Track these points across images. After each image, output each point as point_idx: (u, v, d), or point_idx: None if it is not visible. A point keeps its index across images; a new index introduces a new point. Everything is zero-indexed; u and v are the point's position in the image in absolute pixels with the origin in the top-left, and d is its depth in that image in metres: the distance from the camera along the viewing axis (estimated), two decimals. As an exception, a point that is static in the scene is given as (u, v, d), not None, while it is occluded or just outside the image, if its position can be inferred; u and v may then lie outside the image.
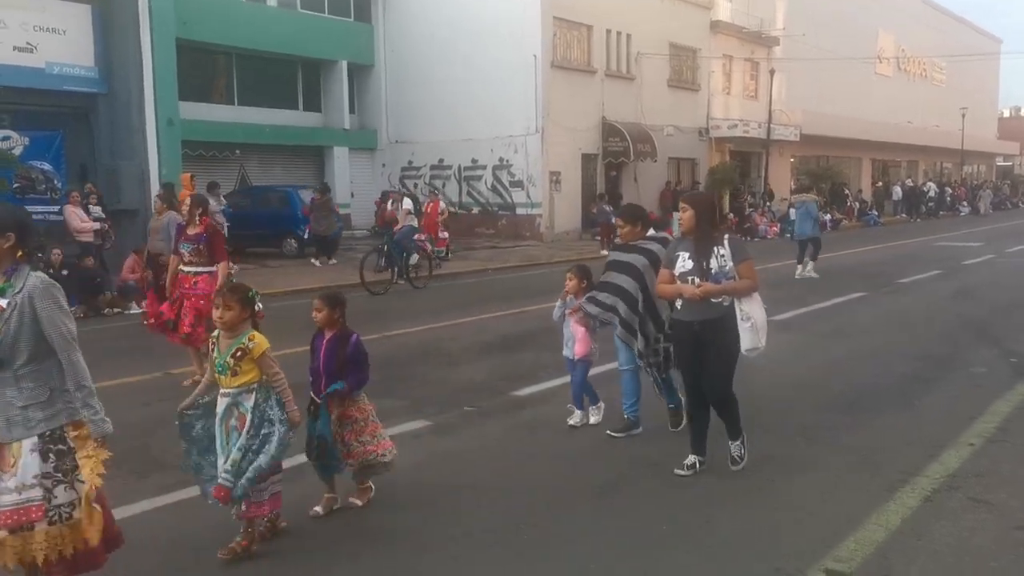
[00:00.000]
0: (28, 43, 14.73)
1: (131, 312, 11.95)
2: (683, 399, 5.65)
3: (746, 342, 4.76)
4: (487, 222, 25.28)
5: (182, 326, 7.44)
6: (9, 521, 3.18)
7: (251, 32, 22.29)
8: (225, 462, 3.97)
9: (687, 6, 28.84)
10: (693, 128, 29.88)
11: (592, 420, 6.08)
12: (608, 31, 25.87)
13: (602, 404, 6.16)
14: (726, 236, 4.90)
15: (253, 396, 4.04)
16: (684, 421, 5.67)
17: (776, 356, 6.77)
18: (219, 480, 3.97)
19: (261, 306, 4.22)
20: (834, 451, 5.55)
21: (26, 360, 3.19)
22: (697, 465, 5.05)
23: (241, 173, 23.36)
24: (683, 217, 4.93)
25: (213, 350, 4.17)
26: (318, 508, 4.57)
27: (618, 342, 5.82)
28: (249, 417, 4.01)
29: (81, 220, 13.01)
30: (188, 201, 7.86)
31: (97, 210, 13.75)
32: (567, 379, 6.34)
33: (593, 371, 6.19)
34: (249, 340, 4.04)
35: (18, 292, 3.17)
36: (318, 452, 4.44)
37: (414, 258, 14.80)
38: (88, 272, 12.29)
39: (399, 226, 14.72)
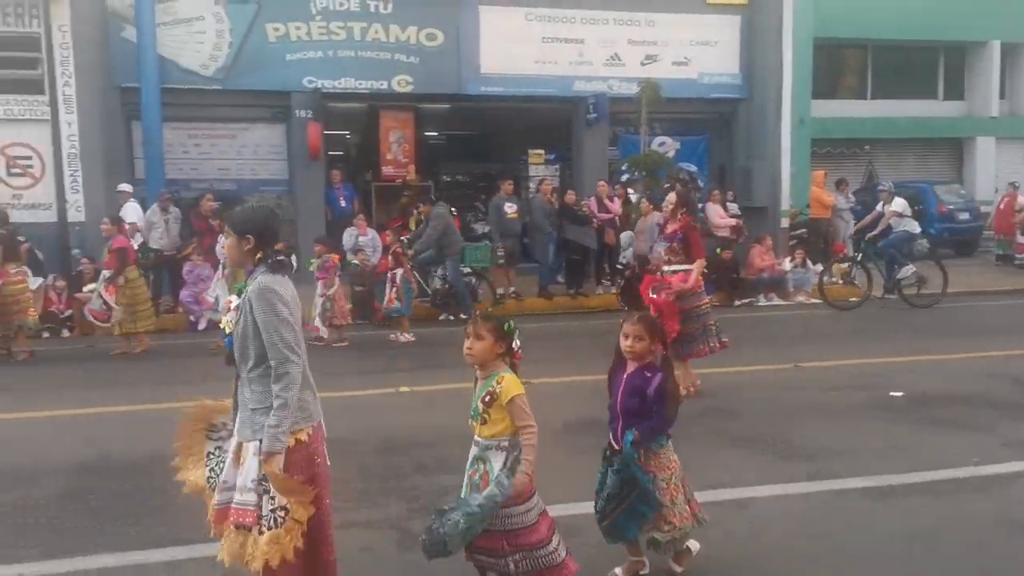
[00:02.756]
0: (684, 57, 16.52)
1: (760, 304, 12.91)
2: None
3: None
4: None
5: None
6: (232, 518, 3.21)
7: (891, 22, 21.22)
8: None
9: None
10: None
11: None
12: None
13: None
14: None
15: (503, 457, 3.38)
16: None
17: None
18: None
19: (519, 344, 3.50)
20: None
21: (254, 363, 3.16)
22: None
23: (868, 169, 22.55)
24: None
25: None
26: (618, 571, 3.83)
27: None
28: (492, 478, 3.36)
29: (720, 216, 14.12)
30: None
31: (734, 207, 14.80)
32: None
33: None
34: (497, 383, 3.39)
35: (246, 294, 3.19)
36: (614, 506, 3.65)
37: (907, 270, 12.22)
38: (726, 265, 13.32)
39: (874, 231, 12.55)
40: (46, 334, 10.91)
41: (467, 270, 12.15)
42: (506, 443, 3.37)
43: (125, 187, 12.65)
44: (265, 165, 15.40)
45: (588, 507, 3.86)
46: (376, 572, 3.87)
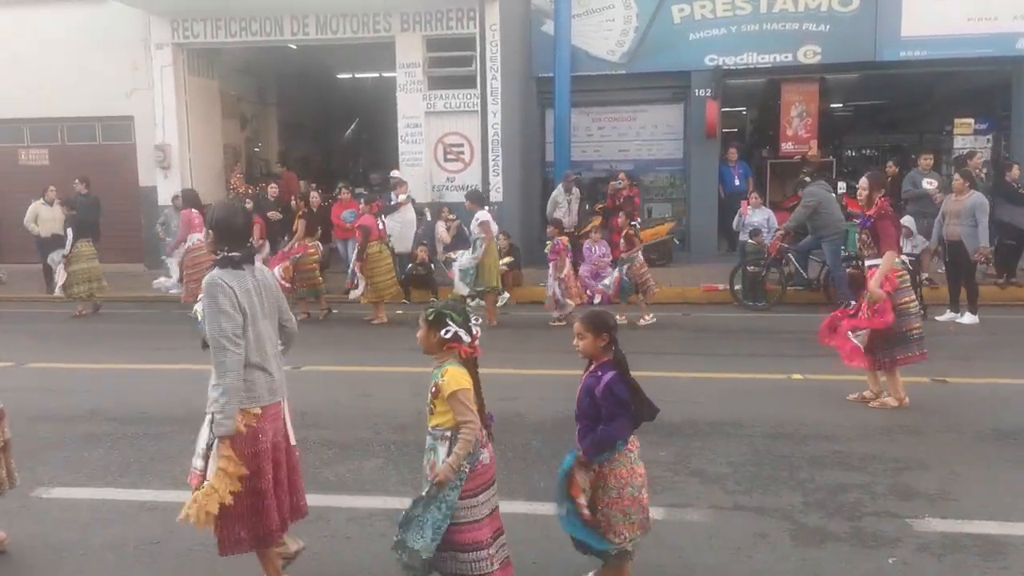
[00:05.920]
0: None
1: None
2: None
3: None
4: None
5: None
6: (190, 480, 3.52)
7: None
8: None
9: None
10: None
11: None
12: None
13: None
14: None
15: (447, 445, 3.30)
16: None
17: None
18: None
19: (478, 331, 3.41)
20: None
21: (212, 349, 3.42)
22: None
23: None
24: None
25: None
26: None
27: None
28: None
29: None
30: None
31: None
32: None
33: None
34: (443, 376, 3.30)
35: None
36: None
37: None
38: None
39: None
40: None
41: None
42: (448, 434, 3.32)
43: (396, 175, 13.60)
44: (661, 145, 15.79)
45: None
46: (772, 560, 3.81)
